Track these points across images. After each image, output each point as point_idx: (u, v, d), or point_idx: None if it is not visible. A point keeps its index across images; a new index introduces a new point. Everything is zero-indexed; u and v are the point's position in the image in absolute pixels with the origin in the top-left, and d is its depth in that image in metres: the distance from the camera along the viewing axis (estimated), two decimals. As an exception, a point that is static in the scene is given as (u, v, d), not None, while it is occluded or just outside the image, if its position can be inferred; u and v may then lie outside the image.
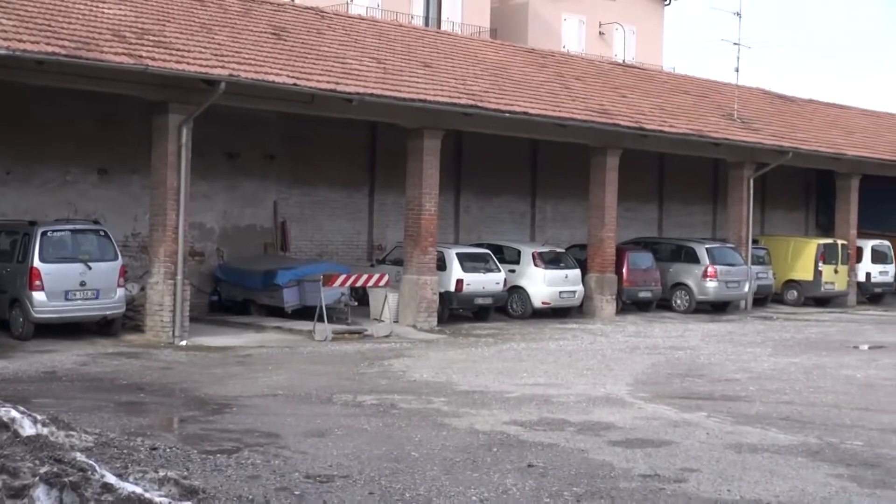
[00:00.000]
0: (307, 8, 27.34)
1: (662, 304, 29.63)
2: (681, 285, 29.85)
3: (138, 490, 7.48)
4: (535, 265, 26.39)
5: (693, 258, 29.86)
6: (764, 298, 32.42)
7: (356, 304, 23.41)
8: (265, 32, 23.21)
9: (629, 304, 28.76)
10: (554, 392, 14.90)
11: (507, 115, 24.25)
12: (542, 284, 26.28)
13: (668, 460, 10.69)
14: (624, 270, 28.17)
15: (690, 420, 13.02)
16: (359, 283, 22.47)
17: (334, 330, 21.02)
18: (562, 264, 27.00)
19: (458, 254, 25.05)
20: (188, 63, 19.43)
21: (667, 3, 48.88)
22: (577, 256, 27.97)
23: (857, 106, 43.95)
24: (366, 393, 14.43)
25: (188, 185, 20.21)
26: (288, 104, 21.93)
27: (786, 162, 31.87)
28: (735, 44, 32.00)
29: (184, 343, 19.44)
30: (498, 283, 25.29)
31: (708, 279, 29.36)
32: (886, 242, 36.70)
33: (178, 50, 19.81)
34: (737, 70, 32.53)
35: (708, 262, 29.47)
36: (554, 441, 11.45)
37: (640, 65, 39.77)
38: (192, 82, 19.66)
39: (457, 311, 25.22)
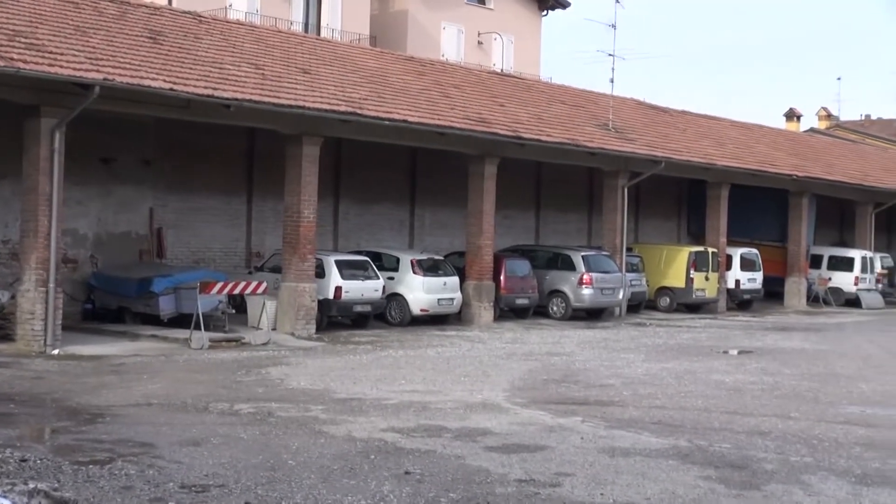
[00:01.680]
0: (184, 12, 27.02)
1: (539, 311, 29.97)
2: (557, 292, 30.24)
3: (6, 503, 7.33)
4: (414, 272, 26.49)
5: (569, 266, 30.29)
6: (638, 305, 33.05)
7: (234, 311, 23.19)
8: (141, 36, 22.87)
9: (507, 311, 29.03)
10: (432, 399, 14.99)
11: (386, 122, 24.31)
12: (420, 292, 26.39)
13: (543, 465, 10.85)
14: (501, 278, 28.43)
15: (565, 425, 13.23)
16: (236, 291, 22.25)
17: (211, 338, 20.80)
18: (440, 272, 27.14)
19: (336, 261, 25.01)
20: (61, 66, 19.02)
21: (544, 13, 49.50)
22: (455, 264, 28.15)
23: (728, 117, 45.20)
24: (243, 401, 14.32)
25: (61, 190, 19.79)
26: (164, 109, 21.61)
27: (659, 171, 32.55)
28: (610, 55, 32.59)
29: (56, 352, 19.02)
30: (377, 291, 25.31)
31: (583, 286, 29.81)
32: (755, 250, 37.75)
33: (50, 52, 19.38)
34: (612, 81, 33.14)
35: (583, 269, 29.92)
36: (431, 447, 11.53)
37: (518, 74, 40.24)
38: (66, 86, 19.27)
39: (335, 319, 25.17)
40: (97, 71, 19.42)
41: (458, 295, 27.14)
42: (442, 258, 28.25)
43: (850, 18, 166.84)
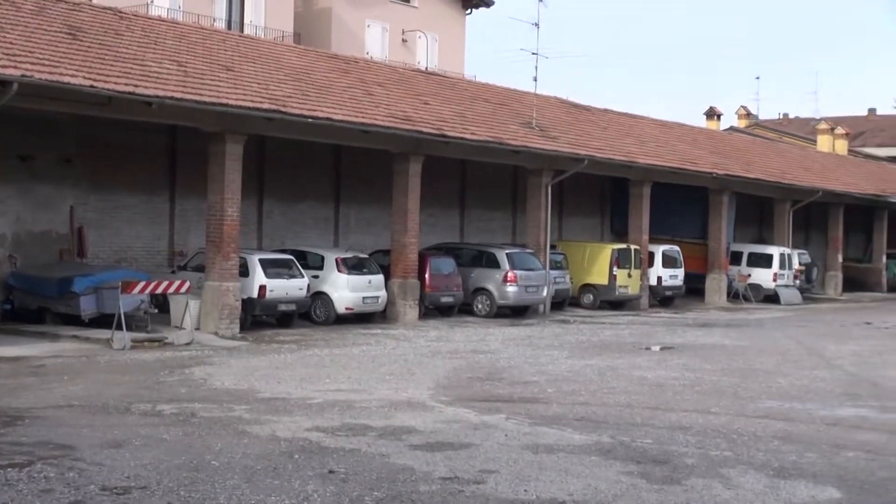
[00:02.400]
0: (105, 8, 26.67)
1: (464, 309, 30.09)
2: (482, 290, 30.37)
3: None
4: (339, 271, 26.44)
5: (494, 263, 30.45)
6: (561, 302, 33.31)
7: (156, 311, 22.96)
8: (60, 32, 22.54)
9: (432, 309, 29.09)
10: (356, 397, 14.99)
11: (311, 120, 24.23)
12: (345, 290, 26.35)
13: (467, 462, 10.91)
14: (426, 276, 28.50)
15: (490, 422, 13.30)
16: (159, 290, 22.03)
17: (133, 338, 20.58)
18: (365, 270, 27.12)
19: (260, 260, 24.88)
20: (-23, 63, 18.70)
21: (468, 11, 49.67)
22: (380, 262, 28.14)
23: (650, 116, 45.71)
24: (165, 402, 14.20)
25: (-22, 189, 19.46)
26: (84, 106, 21.34)
27: (582, 169, 32.83)
28: (534, 53, 32.81)
29: (-27, 353, 18.69)
30: (301, 289, 25.22)
31: (508, 284, 29.98)
32: (676, 247, 38.25)
33: (-34, 49, 19.05)
34: (535, 79, 33.43)
35: (508, 267, 30.09)
36: (356, 446, 11.53)
37: (442, 72, 40.34)
38: (-18, 83, 18.93)
39: (260, 318, 25.04)
40: (15, 67, 19.10)
41: (383, 293, 27.14)
42: (367, 256, 28.23)
43: (767, 18, 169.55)
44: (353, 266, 26.92)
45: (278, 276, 24.87)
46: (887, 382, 18.36)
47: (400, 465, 10.67)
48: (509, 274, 30.02)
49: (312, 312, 26.26)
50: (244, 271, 24.23)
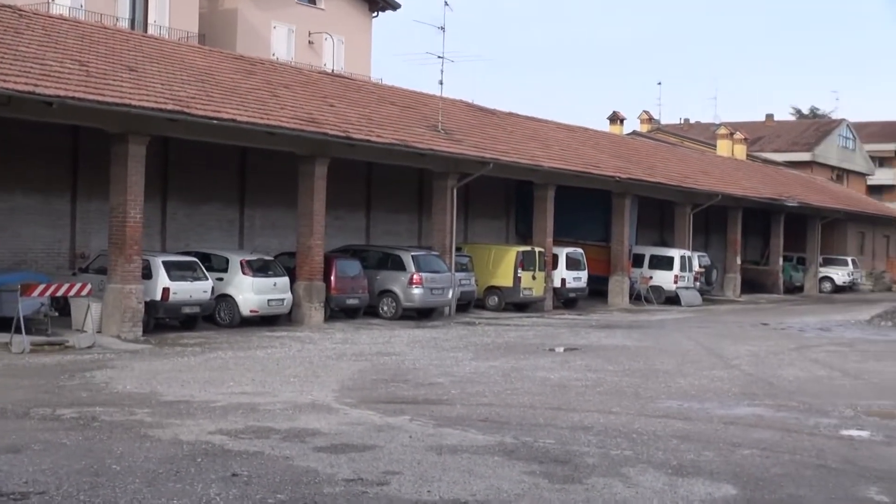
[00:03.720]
0: (4, 6, 26.15)
1: (370, 311, 30.11)
2: (388, 292, 30.42)
3: None
4: (244, 273, 26.28)
5: (399, 266, 30.52)
6: (467, 304, 33.49)
7: (57, 314, 22.59)
8: (-43, 30, 22.08)
9: (337, 312, 29.06)
10: (261, 400, 14.94)
11: (215, 121, 24.04)
12: (250, 292, 26.20)
13: (371, 464, 10.95)
14: (332, 278, 28.45)
15: (394, 424, 13.36)
16: (59, 293, 21.70)
17: (33, 341, 20.23)
18: (270, 272, 26.99)
19: (164, 262, 24.61)
20: None
21: (375, 14, 49.70)
22: (285, 264, 28.04)
23: (554, 120, 46.19)
24: (65, 406, 14.00)
25: None
26: (-18, 106, 20.93)
27: (487, 172, 33.06)
28: (439, 57, 32.95)
29: None
30: (205, 292, 25.01)
31: (413, 286, 30.07)
32: (580, 250, 38.70)
33: None
34: (441, 83, 33.58)
35: (413, 269, 30.19)
36: (259, 449, 11.51)
37: (348, 75, 40.31)
38: None
39: (163, 321, 24.77)
40: None
41: (288, 295, 27.04)
42: (272, 258, 28.11)
43: (669, 24, 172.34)
44: (258, 268, 26.78)
45: (182, 278, 24.63)
46: (782, 382, 18.81)
47: (304, 468, 10.68)
48: (415, 276, 30.12)
49: (217, 315, 26.05)
50: (147, 273, 23.96)
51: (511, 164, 34.10)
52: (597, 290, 39.82)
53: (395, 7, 49.73)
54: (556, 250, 37.11)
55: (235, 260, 26.64)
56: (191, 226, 30.37)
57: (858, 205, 67.50)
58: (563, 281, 37.35)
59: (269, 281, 26.71)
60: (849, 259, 61.01)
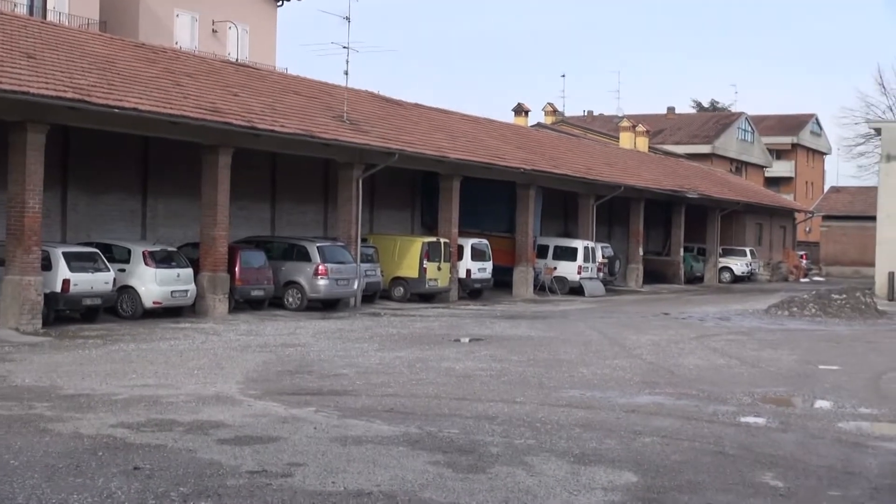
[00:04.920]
0: None
1: (275, 303, 29.96)
2: (293, 283, 30.29)
3: None
4: (146, 264, 25.96)
5: (305, 256, 30.40)
6: (373, 295, 33.48)
7: (-48, 306, 22.11)
8: None
9: (242, 303, 28.86)
10: (163, 392, 14.79)
11: (116, 110, 23.70)
12: (153, 284, 25.89)
13: (275, 456, 10.92)
14: (236, 269, 28.24)
15: (299, 415, 13.33)
16: (-46, 285, 21.22)
17: (-73, 334, 19.77)
18: (174, 263, 26.71)
19: (64, 253, 24.19)
20: None
21: (280, 3, 49.34)
22: (189, 255, 27.74)
23: (460, 111, 46.36)
24: (-38, 400, 13.72)
25: None
26: None
27: (393, 163, 33.06)
28: (345, 47, 32.81)
29: None
30: (107, 283, 24.65)
31: (319, 277, 29.99)
32: (485, 241, 38.91)
33: None
34: (346, 73, 33.42)
35: (319, 260, 30.10)
36: (162, 442, 11.40)
37: (253, 64, 39.97)
38: None
39: (63, 313, 24.35)
40: None
41: (192, 287, 26.78)
42: (175, 249, 27.79)
43: (573, 17, 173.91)
44: (161, 259, 26.47)
45: (83, 269, 24.25)
46: (683, 371, 19.15)
47: (207, 460, 10.61)
48: (320, 267, 30.03)
49: (119, 307, 25.70)
50: (47, 265, 23.54)
51: (417, 155, 34.15)
52: (502, 281, 40.09)
53: (300, -4, 49.43)
54: (461, 241, 37.27)
55: (138, 251, 26.29)
56: (92, 216, 29.84)
57: (756, 196, 68.90)
58: (469, 272, 37.52)
59: (173, 272, 26.43)
60: (747, 250, 62.29)
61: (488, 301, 37.20)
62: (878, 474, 11.07)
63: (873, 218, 45.66)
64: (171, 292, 26.22)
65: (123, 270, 25.67)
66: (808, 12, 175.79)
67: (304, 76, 38.38)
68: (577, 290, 42.47)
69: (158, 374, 16.70)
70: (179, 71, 29.87)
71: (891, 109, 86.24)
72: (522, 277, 40.93)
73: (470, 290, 37.93)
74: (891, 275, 41.86)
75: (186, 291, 26.63)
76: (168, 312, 26.40)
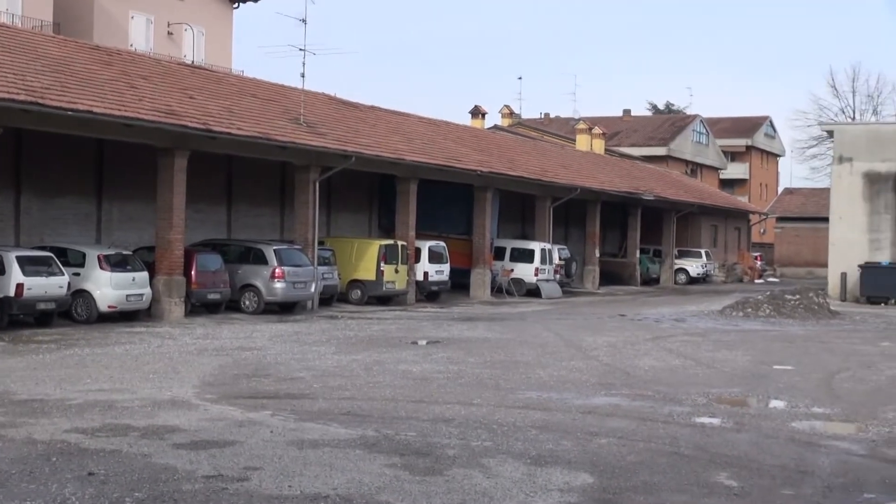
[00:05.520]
0: None
1: (232, 306, 29.83)
2: (250, 286, 30.17)
3: None
4: (101, 268, 25.75)
5: (261, 260, 30.29)
6: (330, 298, 33.41)
7: None
8: None
9: (198, 307, 28.71)
10: (119, 397, 14.69)
11: (70, 113, 23.52)
12: (108, 288, 25.68)
13: (232, 460, 10.89)
14: (192, 272, 28.08)
15: (255, 419, 13.30)
16: None
17: None
18: (129, 267, 26.50)
19: (17, 257, 23.93)
20: None
21: (236, 6, 49.15)
22: (144, 259, 27.55)
23: (416, 113, 46.34)
24: (-87, 406, 13.56)
25: None
26: None
27: (350, 166, 33.02)
28: (301, 49, 32.73)
29: None
30: (61, 287, 24.43)
31: (276, 280, 29.89)
32: (442, 243, 38.95)
33: None
34: (303, 75, 33.49)
35: (276, 263, 30.00)
36: (117, 447, 11.33)
37: (209, 66, 39.78)
38: None
39: (17, 317, 24.09)
40: None
41: (147, 290, 26.60)
42: (130, 253, 27.59)
43: (530, 20, 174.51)
44: (117, 263, 26.27)
45: (37, 273, 24.00)
46: (638, 372, 19.28)
47: (162, 465, 10.56)
48: (277, 270, 29.94)
49: (73, 311, 25.48)
50: (0, 269, 23.30)
51: (374, 158, 34.13)
52: (459, 283, 40.13)
53: (256, -1, 49.26)
54: (418, 244, 37.26)
55: (92, 254, 26.08)
56: (46, 220, 29.55)
57: (711, 198, 69.41)
58: (426, 274, 37.53)
59: (128, 276, 26.23)
60: (703, 251, 62.74)
61: (445, 303, 37.23)
62: (831, 473, 11.20)
63: (826, 219, 46.09)
64: (127, 296, 26.03)
65: (78, 274, 25.46)
66: (761, 16, 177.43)
67: (261, 79, 38.25)
68: (534, 291, 42.60)
69: (113, 379, 16.58)
70: (134, 73, 29.67)
71: (843, 112, 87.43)
72: (479, 279, 41.01)
73: (427, 293, 37.93)
74: (843, 275, 42.31)
75: (142, 295, 26.45)
76: (123, 316, 26.21)
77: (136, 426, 12.56)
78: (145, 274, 26.64)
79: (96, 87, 26.12)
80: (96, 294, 25.60)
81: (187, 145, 27.61)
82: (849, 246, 42.59)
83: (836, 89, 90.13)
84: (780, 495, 10.27)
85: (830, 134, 51.21)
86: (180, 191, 27.62)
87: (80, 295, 25.51)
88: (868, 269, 41.32)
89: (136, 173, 30.24)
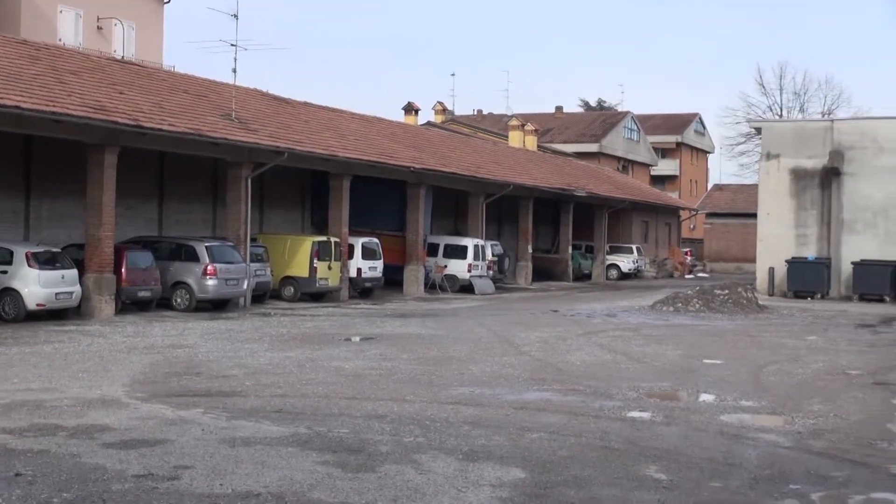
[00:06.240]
0: None
1: (163, 303, 29.58)
2: (181, 284, 29.93)
3: None
4: (29, 266, 25.38)
5: (193, 257, 30.06)
6: (263, 295, 33.26)
7: None
8: None
9: (129, 304, 28.44)
10: (47, 397, 14.51)
11: (-3, 109, 23.16)
12: (36, 286, 25.33)
13: (162, 459, 10.82)
14: (123, 270, 27.81)
15: (187, 417, 13.22)
16: None
17: None
18: (58, 265, 26.16)
19: (-58, 255, 23.57)
20: None
21: (167, 0, 48.64)
22: (74, 256, 27.21)
23: (349, 110, 46.27)
24: None
25: None
26: None
27: (282, 162, 32.87)
28: (233, 45, 32.53)
29: None
30: (-12, 285, 24.09)
31: (208, 277, 29.69)
32: (375, 240, 38.93)
33: None
34: (234, 71, 33.21)
35: (208, 260, 29.79)
36: (45, 447, 11.20)
37: (139, 62, 39.35)
38: None
39: (-58, 316, 23.74)
40: None
41: (77, 288, 26.29)
42: (60, 251, 27.24)
43: (463, 16, 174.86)
44: (45, 261, 25.91)
45: (-38, 271, 23.64)
46: (570, 367, 19.42)
47: (92, 465, 10.47)
48: (209, 267, 29.74)
49: (1, 310, 25.12)
50: (-76, 267, 22.92)
51: (306, 154, 34.01)
52: (392, 280, 40.16)
53: (188, -7, 48.80)
54: (351, 240, 37.22)
55: (20, 252, 25.70)
56: (-29, 217, 29.10)
57: (643, 194, 70.08)
58: (359, 271, 37.51)
59: (57, 273, 25.90)
60: (634, 247, 63.33)
61: (379, 300, 37.22)
62: (758, 465, 11.39)
63: (754, 215, 46.74)
64: (56, 294, 25.69)
65: (5, 272, 25.11)
66: (692, 14, 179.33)
67: (193, 74, 37.94)
68: (467, 288, 42.75)
69: (42, 378, 16.38)
70: (63, 68, 29.28)
71: (771, 109, 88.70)
72: (413, 276, 41.06)
73: (361, 289, 37.90)
74: (771, 270, 42.97)
75: (71, 293, 26.13)
76: (52, 315, 25.87)
77: (64, 426, 12.42)
78: (75, 272, 26.32)
79: (24, 83, 25.74)
80: (24, 292, 25.23)
81: (117, 141, 27.31)
82: (776, 241, 43.28)
83: (763, 87, 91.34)
84: (709, 487, 10.43)
85: (758, 131, 51.97)
86: (110, 187, 27.32)
87: (8, 293, 25.14)
88: (795, 264, 42.01)
89: (66, 170, 29.86)
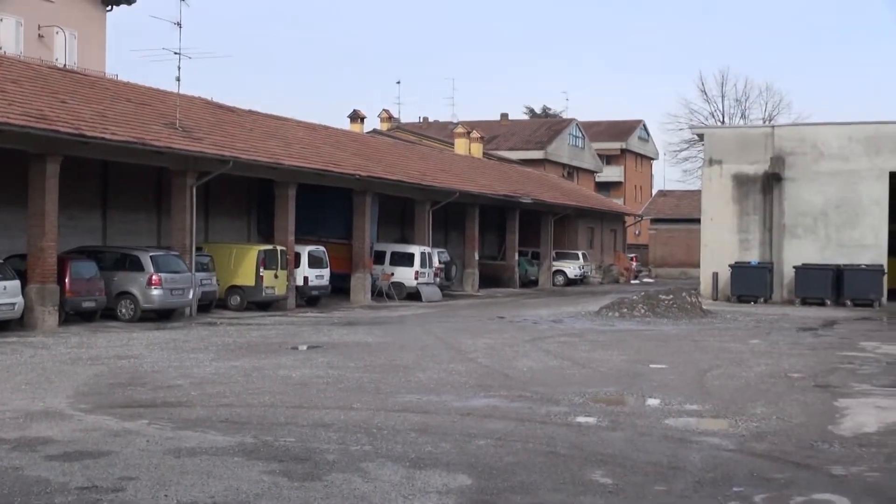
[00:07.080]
0: None
1: (108, 314, 29.31)
2: (126, 294, 29.69)
3: None
4: (-30, 277, 25.07)
5: (137, 266, 29.83)
6: (209, 304, 33.07)
7: None
8: None
9: (73, 315, 28.16)
10: (-11, 409, 14.36)
11: (-65, 118, 22.85)
12: (-23, 297, 25.02)
13: (106, 470, 10.74)
14: (66, 280, 27.54)
15: (131, 429, 13.11)
16: None
17: None
18: (-1, 275, 25.87)
19: None
20: None
21: (109, 8, 48.22)
22: (16, 267, 26.88)
23: (295, 118, 46.14)
24: None
25: None
26: None
27: (227, 171, 32.71)
28: (176, 53, 32.29)
29: None
30: (-73, 297, 23.73)
31: (152, 287, 29.47)
32: (322, 248, 38.87)
33: None
34: (178, 79, 32.92)
35: (152, 270, 29.58)
36: (-13, 460, 11.09)
37: (81, 70, 39.00)
38: None
39: None
40: None
41: (19, 299, 25.98)
42: (2, 261, 26.90)
43: (408, 24, 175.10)
44: (-14, 272, 25.61)
45: None
46: (517, 373, 19.49)
47: (34, 478, 10.36)
48: (153, 277, 29.53)
49: (-60, 321, 24.80)
50: None
51: (251, 163, 33.88)
52: (339, 288, 40.10)
53: (131, 2, 48.39)
54: (298, 249, 37.14)
55: (-40, 263, 25.38)
56: (-90, 228, 28.68)
57: (588, 201, 70.50)
58: (306, 279, 37.44)
59: (-2, 285, 25.59)
60: (580, 253, 63.69)
61: (326, 308, 37.13)
62: (702, 468, 11.51)
63: (698, 220, 47.14)
64: (-3, 305, 25.40)
65: (-55, 284, 24.76)
66: (635, 21, 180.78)
67: (136, 83, 37.67)
68: (414, 295, 42.76)
69: (-17, 391, 16.19)
70: (3, 77, 28.95)
71: (713, 116, 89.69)
72: (360, 284, 41.01)
73: (307, 298, 37.80)
74: (715, 275, 43.37)
75: (13, 304, 25.82)
76: (-6, 326, 25.59)
77: (6, 438, 12.28)
78: (17, 282, 26.00)
79: (-37, 92, 25.44)
80: (-35, 304, 24.92)
81: (59, 151, 27.05)
82: (720, 246, 43.69)
83: (706, 94, 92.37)
84: (653, 491, 10.52)
85: (701, 137, 52.49)
86: (52, 197, 27.05)
87: (-52, 305, 24.82)
88: (738, 269, 42.43)
89: (7, 179, 29.52)
